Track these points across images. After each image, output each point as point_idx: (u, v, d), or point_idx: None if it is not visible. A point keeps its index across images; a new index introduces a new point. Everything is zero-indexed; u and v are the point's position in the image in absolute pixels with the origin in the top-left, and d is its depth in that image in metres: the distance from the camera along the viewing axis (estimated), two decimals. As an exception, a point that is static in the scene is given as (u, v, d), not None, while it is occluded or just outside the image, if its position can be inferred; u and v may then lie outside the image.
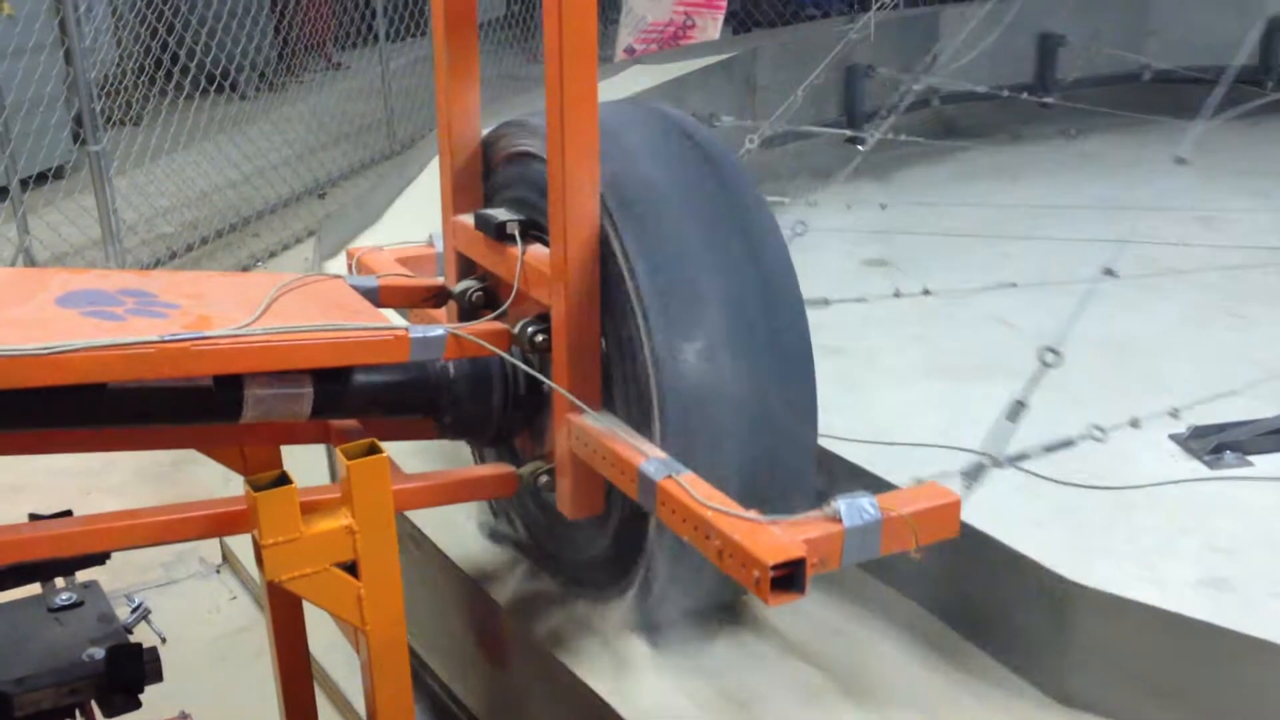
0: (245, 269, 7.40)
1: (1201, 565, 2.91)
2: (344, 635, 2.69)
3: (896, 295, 4.64)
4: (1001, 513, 2.99)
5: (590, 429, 2.57)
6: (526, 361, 2.71)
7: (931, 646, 2.92)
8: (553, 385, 2.62)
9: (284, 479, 2.35)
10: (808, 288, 2.73)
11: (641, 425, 2.57)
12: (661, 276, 2.53)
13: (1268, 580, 2.85)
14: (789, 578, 2.07)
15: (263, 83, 11.60)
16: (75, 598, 2.78)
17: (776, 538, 2.12)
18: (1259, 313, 4.69)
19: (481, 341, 2.65)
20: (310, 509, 2.39)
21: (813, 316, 2.69)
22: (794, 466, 2.65)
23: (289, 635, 3.06)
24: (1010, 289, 4.89)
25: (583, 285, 2.56)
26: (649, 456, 2.41)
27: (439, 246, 3.48)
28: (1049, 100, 7.60)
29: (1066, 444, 3.48)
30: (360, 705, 3.47)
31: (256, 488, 2.33)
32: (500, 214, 2.83)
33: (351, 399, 2.65)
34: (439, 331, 2.61)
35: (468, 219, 2.96)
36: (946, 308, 4.64)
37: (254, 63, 10.96)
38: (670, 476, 2.33)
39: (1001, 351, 4.28)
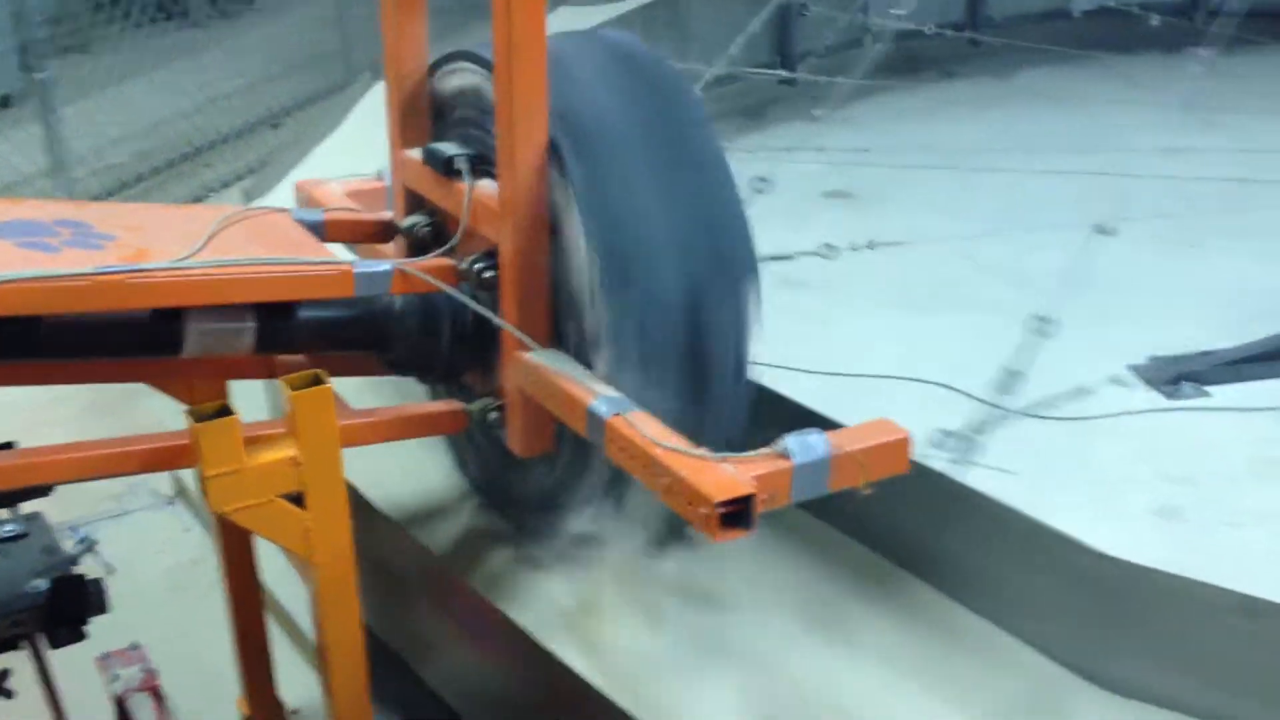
0: (197, 200, 7.26)
1: (1156, 495, 2.93)
2: (293, 567, 2.68)
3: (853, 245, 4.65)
4: (955, 445, 3.01)
5: (538, 366, 2.56)
6: (475, 298, 2.69)
7: (877, 583, 2.94)
8: (500, 322, 2.60)
9: (225, 410, 2.32)
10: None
11: (589, 361, 2.56)
12: (610, 209, 2.51)
13: (1220, 509, 2.88)
14: (738, 514, 2.07)
15: (215, 10, 11.35)
16: (19, 529, 2.74)
17: (724, 474, 2.11)
18: (1218, 244, 4.71)
19: (428, 277, 2.62)
20: (254, 442, 2.36)
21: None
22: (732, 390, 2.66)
23: (239, 566, 3.04)
24: (970, 224, 4.90)
25: (531, 220, 2.53)
26: (598, 394, 2.40)
27: (388, 181, 3.45)
28: (979, 38, 7.62)
29: (1025, 375, 3.50)
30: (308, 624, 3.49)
31: (198, 418, 2.30)
32: (448, 148, 2.78)
33: (296, 334, 2.62)
34: (385, 267, 2.58)
35: (415, 153, 2.92)
36: (899, 248, 4.64)
37: (206, -12, 10.76)
38: (619, 414, 2.32)
39: (963, 285, 4.30)
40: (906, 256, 4.57)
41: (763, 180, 4.65)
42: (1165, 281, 4.35)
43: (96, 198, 7.09)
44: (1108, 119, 6.40)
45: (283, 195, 5.32)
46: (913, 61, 7.31)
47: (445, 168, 2.75)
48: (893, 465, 2.28)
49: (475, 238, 2.70)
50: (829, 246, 4.34)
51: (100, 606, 2.58)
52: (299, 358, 2.78)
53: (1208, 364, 3.61)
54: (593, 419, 2.37)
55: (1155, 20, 7.03)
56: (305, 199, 3.45)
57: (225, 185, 7.51)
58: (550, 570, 2.90)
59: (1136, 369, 3.63)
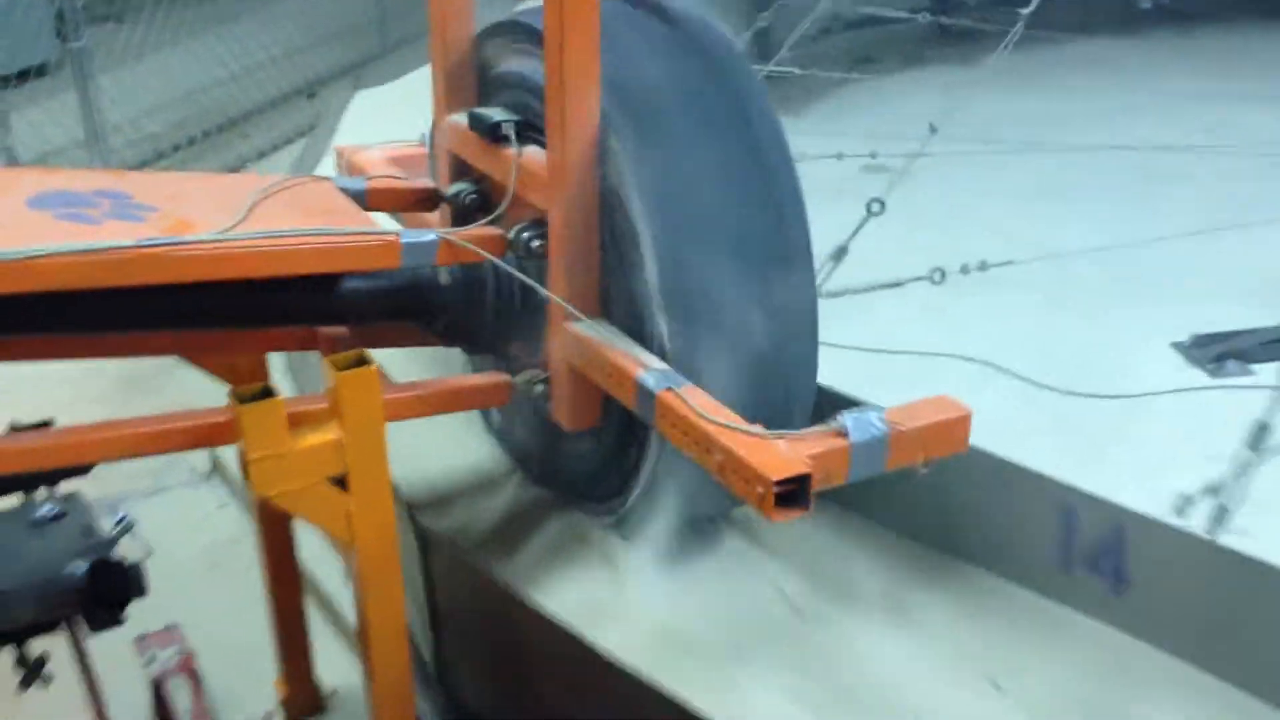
0: (234, 170, 7.23)
1: (1198, 474, 2.85)
2: (333, 547, 2.62)
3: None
4: (1001, 424, 2.91)
5: (586, 338, 2.48)
6: (522, 268, 2.61)
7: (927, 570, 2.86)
8: (547, 293, 2.52)
9: (269, 391, 2.26)
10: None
11: (640, 333, 2.47)
12: (664, 180, 2.42)
13: (1266, 489, 2.79)
14: (793, 493, 1.99)
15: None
16: (57, 510, 2.70)
17: (781, 453, 2.04)
18: (1257, 220, 4.59)
19: (475, 247, 2.54)
20: (297, 421, 2.30)
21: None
22: (797, 370, 2.57)
23: (278, 546, 3.00)
24: (1001, 198, 4.78)
25: (581, 189, 2.45)
26: (648, 367, 2.32)
27: (430, 146, 3.37)
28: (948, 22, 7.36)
29: (1069, 352, 3.42)
30: (352, 616, 3.44)
31: (241, 400, 2.24)
32: (495, 113, 2.70)
33: (341, 305, 2.56)
34: (430, 236, 2.51)
35: (461, 119, 2.83)
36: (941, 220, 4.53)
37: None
38: (670, 389, 2.25)
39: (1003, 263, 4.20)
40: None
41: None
42: (1205, 259, 4.22)
43: (133, 168, 7.06)
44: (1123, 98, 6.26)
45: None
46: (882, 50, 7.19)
47: (492, 133, 2.66)
48: (953, 444, 2.20)
49: (522, 205, 2.62)
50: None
51: (140, 589, 2.53)
52: (340, 329, 2.72)
53: (1252, 342, 3.53)
54: (642, 392, 2.29)
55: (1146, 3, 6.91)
56: (346, 165, 3.39)
57: (262, 155, 7.48)
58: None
59: (1179, 346, 3.55)
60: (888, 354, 3.29)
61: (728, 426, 2.11)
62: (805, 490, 1.99)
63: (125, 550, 2.66)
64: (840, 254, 3.12)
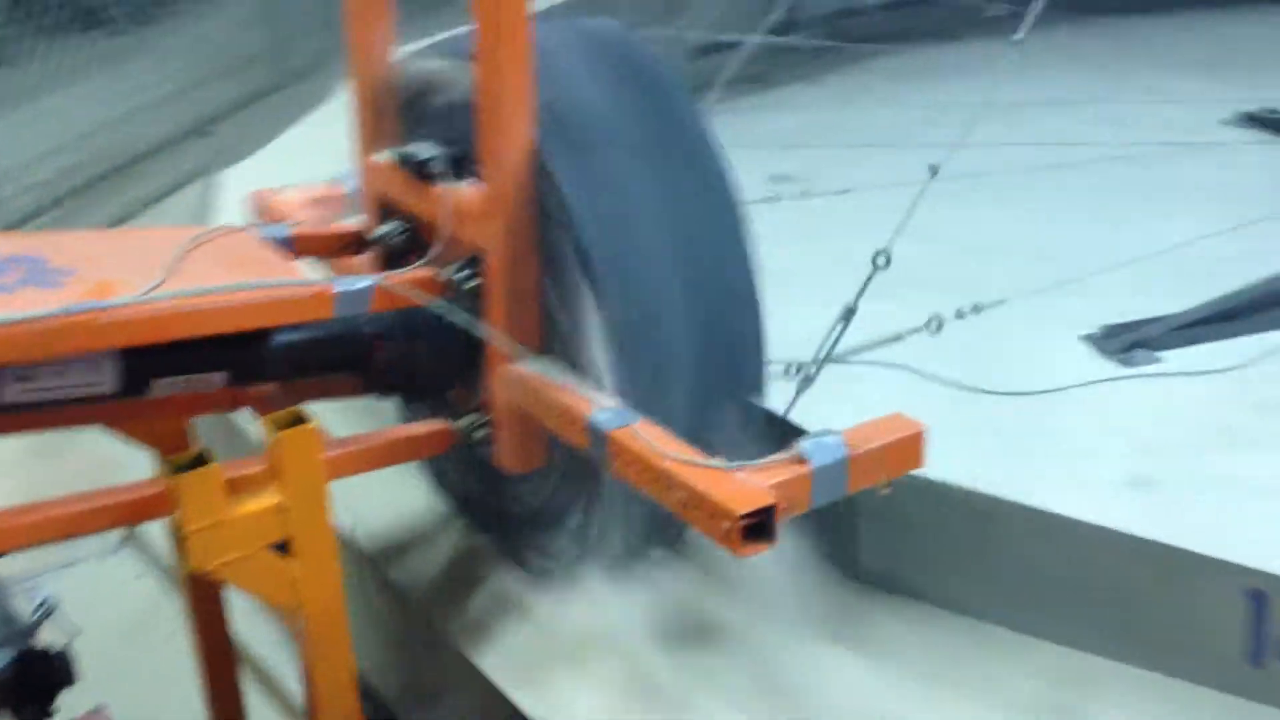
0: (131, 214, 7.03)
1: (1124, 465, 2.88)
2: (274, 619, 2.52)
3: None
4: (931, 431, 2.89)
5: (531, 378, 2.42)
6: (456, 309, 2.53)
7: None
8: (489, 333, 2.45)
9: (204, 458, 2.16)
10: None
11: (583, 369, 2.41)
12: (603, 210, 2.36)
13: (1188, 475, 2.84)
14: (758, 525, 1.95)
15: (138, 15, 11.02)
16: (-29, 598, 2.58)
17: (743, 485, 2.00)
18: (1151, 207, 4.65)
19: (411, 291, 2.46)
20: (232, 488, 2.20)
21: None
22: (743, 394, 2.54)
23: (209, 617, 2.86)
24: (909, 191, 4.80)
25: (518, 223, 2.39)
26: (599, 405, 2.27)
27: (348, 186, 3.27)
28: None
29: (981, 351, 3.42)
30: (289, 679, 3.32)
31: (176, 469, 2.13)
32: (423, 149, 2.63)
33: (272, 363, 2.46)
34: (365, 283, 2.43)
35: (386, 156, 2.75)
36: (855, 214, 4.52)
37: (126, -6, 10.42)
38: (624, 426, 2.19)
39: (910, 260, 4.19)
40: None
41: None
42: (1104, 250, 4.26)
43: (26, 216, 6.84)
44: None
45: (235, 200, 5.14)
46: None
47: (420, 170, 2.58)
48: (909, 461, 2.18)
49: (457, 243, 2.55)
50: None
51: (69, 678, 2.42)
52: (268, 387, 2.62)
53: (1159, 330, 3.59)
54: (594, 432, 2.24)
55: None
56: (262, 209, 3.27)
57: (160, 198, 7.27)
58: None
59: (1089, 339, 3.58)
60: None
61: (686, 462, 2.07)
62: (770, 522, 1.95)
63: (48, 634, 2.55)
64: (849, 314, 3.11)
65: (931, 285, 3.92)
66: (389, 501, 3.13)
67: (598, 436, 2.22)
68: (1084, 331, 3.61)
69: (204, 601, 2.81)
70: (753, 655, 2.64)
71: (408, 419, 3.13)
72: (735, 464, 2.06)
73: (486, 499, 2.90)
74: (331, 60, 9.44)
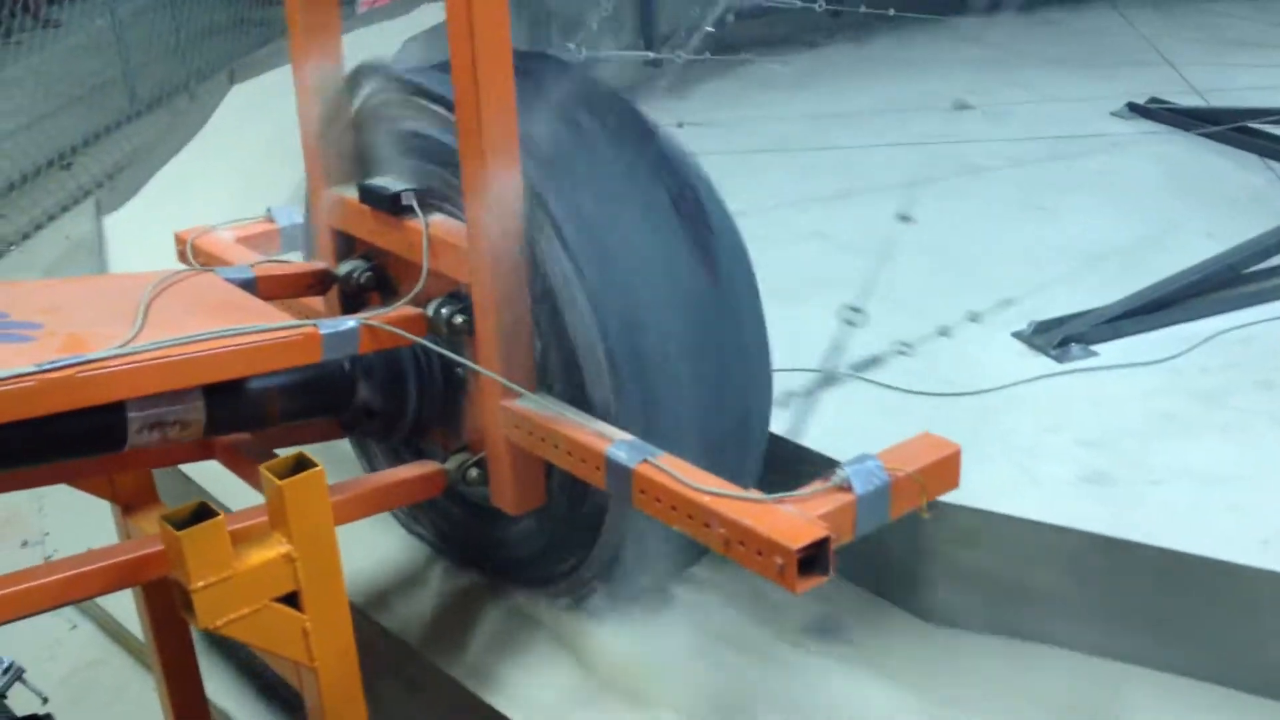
0: (-1, 255, 6.71)
1: (1074, 461, 2.91)
2: (280, 672, 2.39)
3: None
4: (855, 431, 2.88)
5: (532, 415, 2.33)
6: (442, 347, 2.44)
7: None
8: (484, 370, 2.36)
9: (206, 510, 2.03)
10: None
11: (583, 401, 2.35)
12: (594, 238, 2.30)
13: (1142, 468, 2.89)
14: (812, 559, 1.90)
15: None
16: (-67, 666, 2.41)
17: (792, 518, 1.94)
18: (1056, 202, 4.76)
19: (398, 330, 2.36)
20: (234, 539, 2.08)
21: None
22: (752, 416, 2.49)
23: (181, 675, 2.72)
24: (818, 201, 4.82)
25: (509, 256, 2.30)
26: (614, 440, 2.19)
27: (281, 221, 3.15)
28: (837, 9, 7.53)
29: (910, 353, 3.44)
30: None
31: (176, 525, 2.00)
32: (391, 184, 2.52)
33: (249, 409, 2.33)
34: (351, 324, 2.32)
35: (346, 191, 2.64)
36: (760, 227, 4.53)
37: (-49, 27, 9.91)
38: (647, 460, 2.12)
39: (825, 266, 4.20)
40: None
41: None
42: (1020, 245, 4.36)
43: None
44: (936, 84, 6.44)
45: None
46: (759, 37, 7.26)
47: (393, 205, 2.48)
48: (948, 481, 2.16)
49: (434, 279, 2.45)
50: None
51: (53, 747, 2.27)
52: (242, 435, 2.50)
53: (1089, 324, 3.65)
54: (614, 468, 2.16)
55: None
56: (192, 251, 3.11)
57: (25, 236, 6.94)
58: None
59: (1020, 335, 3.63)
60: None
61: (725, 495, 2.01)
62: (825, 555, 1.91)
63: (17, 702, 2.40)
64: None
65: (842, 287, 3.94)
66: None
67: (619, 472, 2.14)
68: (1011, 329, 3.66)
69: (174, 654, 2.67)
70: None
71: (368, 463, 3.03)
72: (775, 495, 2.01)
73: (476, 536, 2.80)
74: (183, 88, 9.18)
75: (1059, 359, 3.51)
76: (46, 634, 3.72)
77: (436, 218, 2.49)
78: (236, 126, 6.25)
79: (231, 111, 6.55)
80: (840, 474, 2.03)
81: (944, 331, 3.61)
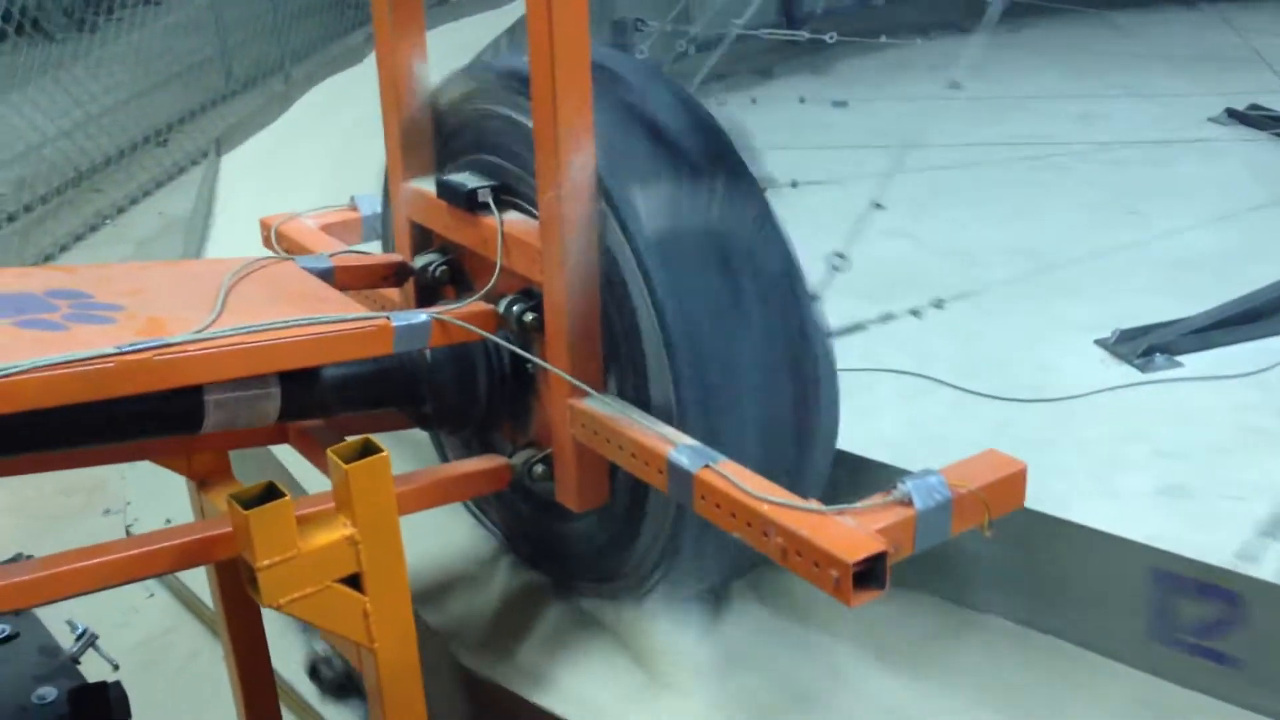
0: (93, 228, 6.85)
1: (1153, 473, 2.87)
2: (343, 654, 2.44)
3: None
4: (938, 435, 2.84)
5: (598, 414, 2.35)
6: (513, 343, 2.47)
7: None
8: (555, 369, 2.38)
9: (275, 490, 2.07)
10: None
11: (648, 403, 2.36)
12: (667, 241, 2.31)
13: (1220, 483, 2.85)
14: (867, 573, 1.90)
15: (71, 22, 10.73)
16: (9, 629, 2.48)
17: (850, 531, 1.94)
18: (1149, 207, 4.68)
19: (469, 325, 2.39)
20: (300, 521, 2.12)
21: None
22: (818, 432, 2.48)
23: (249, 652, 2.78)
24: (905, 202, 4.77)
25: (581, 255, 2.32)
26: (677, 444, 2.20)
27: (364, 210, 3.19)
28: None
29: (995, 357, 3.40)
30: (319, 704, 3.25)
31: (245, 504, 2.05)
32: (468, 179, 2.55)
33: (323, 397, 2.38)
34: (423, 318, 2.35)
35: (425, 185, 2.67)
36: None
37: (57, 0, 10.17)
38: (708, 466, 2.13)
39: (910, 266, 4.16)
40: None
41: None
42: (1109, 252, 4.29)
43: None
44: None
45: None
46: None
47: (469, 201, 2.51)
48: (1012, 500, 2.13)
49: (506, 276, 2.48)
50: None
51: (125, 712, 2.34)
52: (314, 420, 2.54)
53: (1176, 333, 3.59)
54: (676, 472, 2.17)
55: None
56: (276, 237, 3.17)
57: (120, 210, 7.09)
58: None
59: (1104, 343, 3.58)
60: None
61: (785, 505, 2.01)
62: (881, 569, 1.90)
63: (89, 668, 2.47)
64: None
65: (921, 286, 3.91)
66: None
67: (680, 476, 2.14)
68: (1096, 335, 3.61)
69: (244, 634, 2.72)
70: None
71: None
72: (835, 507, 2.00)
73: (540, 533, 2.83)
74: (278, 69, 9.32)
75: (1142, 369, 3.47)
76: (125, 601, 3.82)
77: (512, 215, 2.51)
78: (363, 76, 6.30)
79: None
80: (902, 488, 2.02)
81: (1028, 336, 3.58)
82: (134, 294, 2.31)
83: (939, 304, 3.31)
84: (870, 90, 6.69)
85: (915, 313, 3.58)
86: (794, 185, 5.09)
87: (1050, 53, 7.21)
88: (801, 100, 6.45)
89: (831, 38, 5.84)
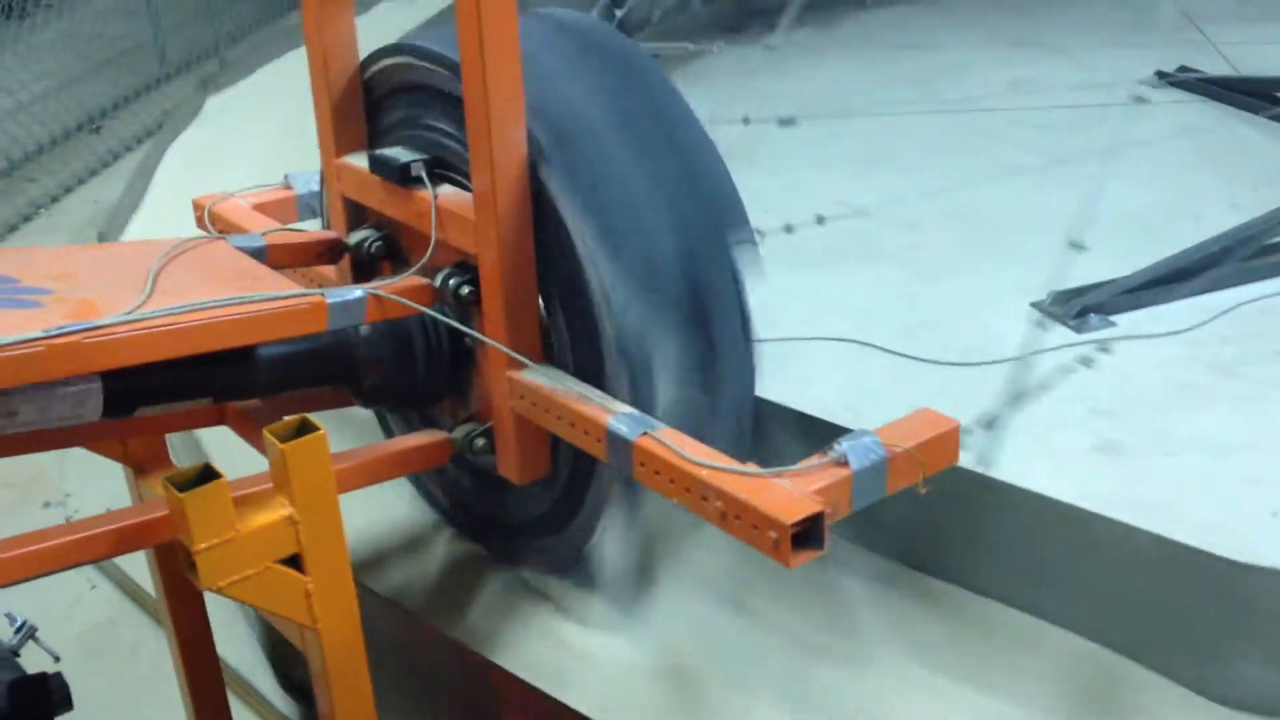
0: (27, 217, 6.73)
1: (1090, 432, 2.90)
2: (285, 635, 2.43)
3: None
4: (876, 400, 2.86)
5: (537, 386, 2.35)
6: (450, 317, 2.46)
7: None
8: (491, 342, 2.38)
9: (211, 472, 2.05)
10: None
11: (589, 373, 2.36)
12: (601, 210, 2.31)
13: (1155, 438, 2.88)
14: (806, 533, 1.92)
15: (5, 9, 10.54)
16: (-56, 623, 2.46)
17: (787, 493, 1.96)
18: (1078, 171, 4.69)
19: (405, 300, 2.38)
20: (237, 503, 2.10)
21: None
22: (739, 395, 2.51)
23: (194, 639, 2.76)
24: (839, 169, 4.80)
25: (515, 227, 2.31)
26: (616, 413, 2.21)
27: (299, 188, 3.16)
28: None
29: (931, 321, 3.42)
30: (269, 691, 3.23)
31: (181, 487, 2.03)
32: (400, 154, 2.53)
33: (259, 377, 2.36)
34: (358, 294, 2.33)
35: (358, 160, 2.65)
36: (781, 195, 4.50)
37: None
38: (647, 433, 2.14)
39: (847, 235, 4.18)
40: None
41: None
42: (1041, 214, 4.29)
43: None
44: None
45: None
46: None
47: (401, 176, 2.49)
48: (946, 457, 2.16)
49: (442, 249, 2.47)
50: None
51: (67, 703, 2.30)
52: (252, 400, 2.52)
53: (1109, 294, 3.62)
54: (615, 440, 2.17)
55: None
56: (210, 217, 3.14)
57: (54, 200, 6.98)
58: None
59: (1039, 305, 3.60)
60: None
61: (724, 469, 2.02)
62: (819, 529, 1.92)
63: (29, 660, 2.43)
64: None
65: (874, 256, 3.93)
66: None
67: (620, 445, 2.15)
68: (1031, 299, 3.64)
69: (187, 619, 2.71)
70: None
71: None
72: (772, 470, 2.02)
73: (481, 506, 2.83)
74: (213, 52, 9.19)
75: (1077, 329, 3.49)
76: (68, 593, 3.78)
77: (445, 188, 2.50)
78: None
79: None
80: (837, 449, 2.04)
81: (964, 299, 3.59)
82: (62, 278, 2.27)
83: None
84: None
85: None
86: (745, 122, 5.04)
87: (978, 20, 7.21)
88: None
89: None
